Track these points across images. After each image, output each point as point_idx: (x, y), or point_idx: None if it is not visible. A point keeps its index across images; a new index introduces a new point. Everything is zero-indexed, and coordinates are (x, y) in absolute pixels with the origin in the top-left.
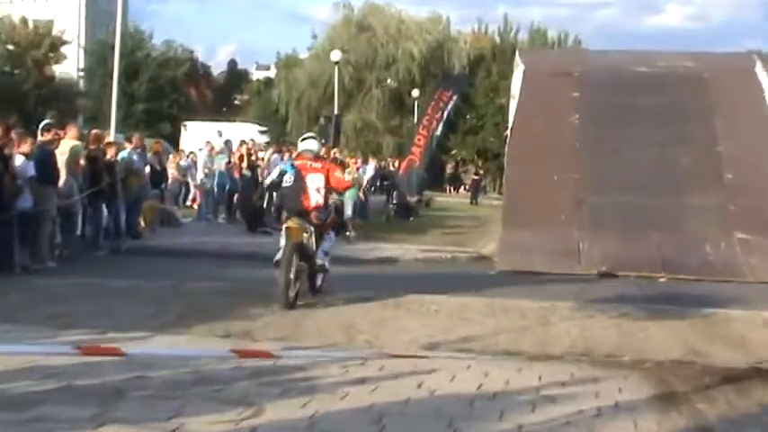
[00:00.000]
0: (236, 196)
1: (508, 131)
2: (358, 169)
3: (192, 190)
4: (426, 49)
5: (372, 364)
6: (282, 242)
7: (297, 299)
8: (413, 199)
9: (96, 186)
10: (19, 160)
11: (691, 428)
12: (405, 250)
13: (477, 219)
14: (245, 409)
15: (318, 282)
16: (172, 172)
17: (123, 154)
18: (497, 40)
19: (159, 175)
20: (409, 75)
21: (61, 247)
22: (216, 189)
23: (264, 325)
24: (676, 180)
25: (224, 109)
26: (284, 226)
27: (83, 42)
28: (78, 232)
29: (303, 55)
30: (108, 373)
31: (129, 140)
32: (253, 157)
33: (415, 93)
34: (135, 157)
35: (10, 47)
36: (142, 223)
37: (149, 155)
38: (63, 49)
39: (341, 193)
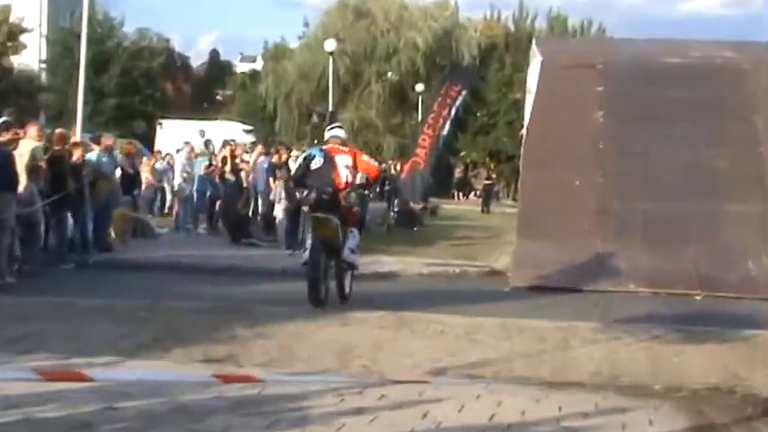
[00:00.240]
0: (218, 204)
1: (523, 131)
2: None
3: (169, 196)
4: (432, 38)
5: (371, 392)
6: (308, 241)
7: (327, 298)
8: (417, 206)
9: (61, 193)
10: None
11: None
12: (407, 264)
13: (488, 229)
14: None
15: (347, 286)
16: (146, 176)
17: (91, 156)
18: (512, 27)
19: (132, 180)
20: (413, 67)
21: (21, 261)
22: (195, 195)
23: (250, 348)
24: (713, 185)
25: (204, 105)
26: (312, 216)
27: (45, 31)
28: (41, 244)
29: (293, 45)
30: (74, 403)
31: (98, 141)
32: (237, 160)
33: (420, 87)
34: (104, 160)
35: None
36: (112, 234)
37: (120, 157)
38: (22, 38)
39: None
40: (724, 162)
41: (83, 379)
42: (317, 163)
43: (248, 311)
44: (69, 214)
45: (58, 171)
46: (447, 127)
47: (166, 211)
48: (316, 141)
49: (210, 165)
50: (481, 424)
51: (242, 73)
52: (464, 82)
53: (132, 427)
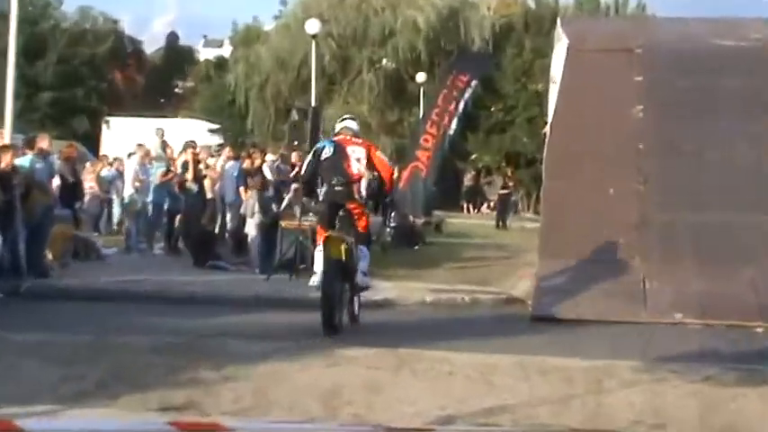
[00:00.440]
0: (177, 219)
1: (547, 128)
2: None
3: (118, 210)
4: (436, 17)
5: None
6: (319, 262)
7: (342, 326)
8: (418, 221)
9: None
10: None
11: None
12: (407, 290)
13: (505, 248)
14: None
15: (356, 308)
16: (90, 185)
17: (23, 162)
18: (532, 5)
19: (72, 191)
20: (412, 53)
21: None
22: (150, 209)
23: (217, 393)
24: None
25: (161, 99)
26: (323, 237)
27: None
28: None
29: (268, 26)
30: None
31: (31, 143)
32: (201, 166)
33: (421, 77)
34: (39, 166)
35: None
36: (50, 256)
37: (59, 163)
38: None
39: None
40: None
41: None
42: (326, 153)
43: (215, 349)
44: None
45: None
46: (454, 125)
47: (115, 227)
48: (296, 143)
49: (168, 171)
50: None
51: (206, 61)
52: (474, 70)
53: None
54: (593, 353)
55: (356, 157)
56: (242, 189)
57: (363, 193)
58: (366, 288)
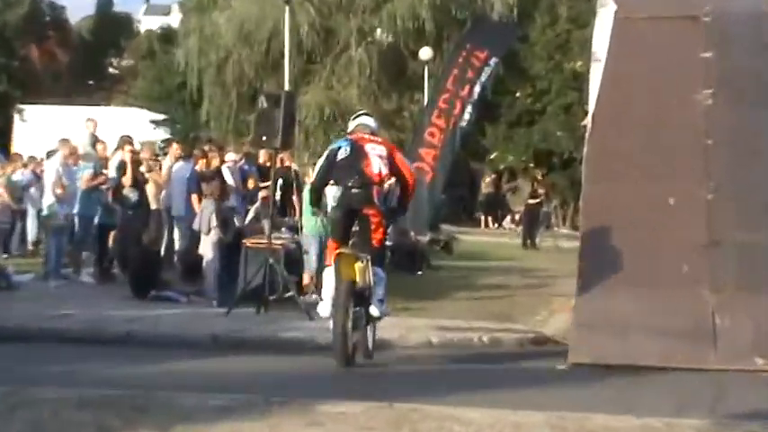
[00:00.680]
0: (111, 235)
1: (587, 120)
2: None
3: (34, 225)
4: None
5: None
6: (328, 284)
7: (355, 354)
8: (422, 238)
9: None
10: None
11: None
12: (408, 328)
13: (534, 273)
14: None
15: (370, 341)
16: None
17: None
18: None
19: None
20: (415, 22)
21: None
22: (77, 223)
23: None
24: None
25: (90, 82)
26: (334, 254)
27: None
28: None
29: None
30: None
31: None
32: (141, 168)
33: (425, 53)
34: None
35: None
36: None
37: None
38: None
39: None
40: None
41: None
42: (342, 154)
43: (159, 404)
44: None
45: None
46: (468, 115)
47: (30, 247)
48: (264, 138)
49: (99, 174)
50: None
51: (148, 32)
52: (494, 45)
53: None
54: (647, 408)
55: (377, 154)
56: (194, 198)
57: (391, 203)
58: (384, 315)
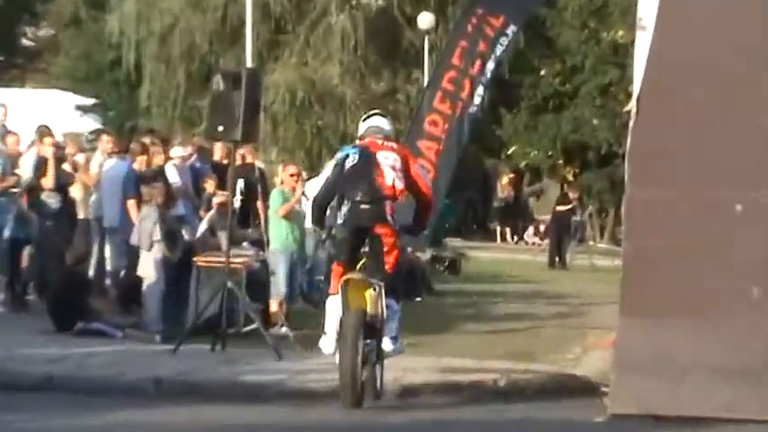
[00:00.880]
0: (26, 252)
1: (632, 104)
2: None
3: None
4: None
5: None
6: (332, 315)
7: (364, 393)
8: (422, 256)
9: None
10: None
11: None
12: (404, 369)
13: (562, 299)
14: None
15: (379, 380)
16: None
17: None
18: None
19: None
20: None
21: None
22: None
23: None
24: None
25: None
26: (341, 281)
27: None
28: None
29: None
30: None
31: None
32: (65, 165)
33: (425, 20)
34: None
35: None
36: None
37: None
38: None
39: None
40: None
41: None
42: (350, 163)
43: None
44: None
45: None
46: (479, 98)
47: None
48: (221, 128)
49: (10, 175)
50: None
51: None
52: (512, 9)
53: None
54: None
55: (390, 164)
56: (132, 204)
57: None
58: (398, 352)
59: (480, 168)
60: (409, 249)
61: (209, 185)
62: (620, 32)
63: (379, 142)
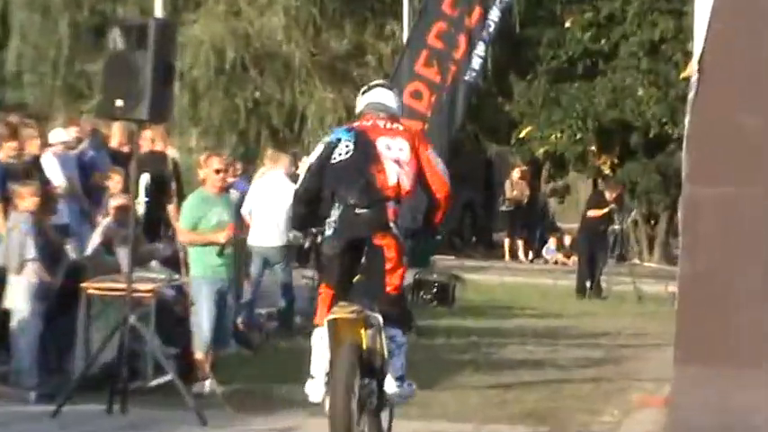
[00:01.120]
0: None
1: (692, 69)
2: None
3: None
4: None
5: None
6: (319, 352)
7: None
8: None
9: None
10: None
11: None
12: None
13: (595, 339)
14: None
15: (385, 425)
16: None
17: None
18: None
19: None
20: None
21: None
22: None
23: None
24: None
25: None
26: (326, 319)
27: None
28: None
29: None
30: None
31: None
32: None
33: None
34: None
35: None
36: None
37: None
38: None
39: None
40: None
41: None
42: (342, 152)
43: None
44: None
45: None
46: (479, 60)
47: None
48: (119, 103)
49: None
50: None
51: None
52: None
53: None
54: None
55: (393, 156)
56: None
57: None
58: (405, 396)
59: (482, 158)
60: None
61: (113, 182)
62: None
63: (382, 124)
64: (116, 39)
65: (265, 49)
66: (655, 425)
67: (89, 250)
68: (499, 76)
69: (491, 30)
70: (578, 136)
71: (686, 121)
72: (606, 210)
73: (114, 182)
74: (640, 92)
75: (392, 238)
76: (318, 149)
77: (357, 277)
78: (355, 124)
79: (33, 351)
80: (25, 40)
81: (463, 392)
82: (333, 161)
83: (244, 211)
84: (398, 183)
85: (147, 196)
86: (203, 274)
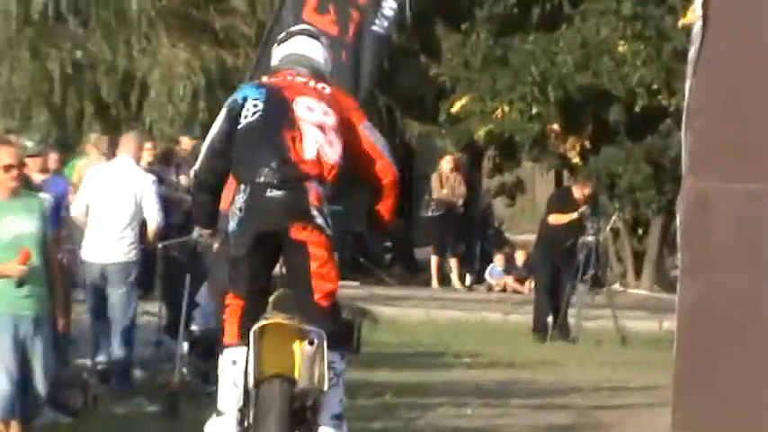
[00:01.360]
0: None
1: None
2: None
3: None
4: None
5: None
6: (228, 383)
7: None
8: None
9: None
10: None
11: None
12: None
13: (560, 400)
14: None
15: None
16: None
17: None
18: None
19: None
20: None
21: None
22: None
23: None
24: None
25: None
26: (253, 329)
27: None
28: None
29: None
30: None
31: None
32: None
33: None
34: None
35: None
36: None
37: None
38: None
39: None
40: None
41: None
42: (248, 113)
43: None
44: None
45: None
46: (389, 5)
47: None
48: None
49: None
50: None
51: None
52: None
53: None
54: None
55: (315, 121)
56: None
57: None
58: None
59: (397, 142)
60: None
61: None
62: None
63: (301, 81)
64: None
65: None
66: None
67: None
68: (422, 27)
69: None
70: (534, 110)
71: (686, 87)
72: (575, 214)
73: None
74: (621, 47)
75: (317, 229)
76: (221, 116)
77: (280, 291)
78: (266, 80)
79: None
80: None
81: None
82: (240, 128)
83: (76, 210)
84: (319, 155)
85: None
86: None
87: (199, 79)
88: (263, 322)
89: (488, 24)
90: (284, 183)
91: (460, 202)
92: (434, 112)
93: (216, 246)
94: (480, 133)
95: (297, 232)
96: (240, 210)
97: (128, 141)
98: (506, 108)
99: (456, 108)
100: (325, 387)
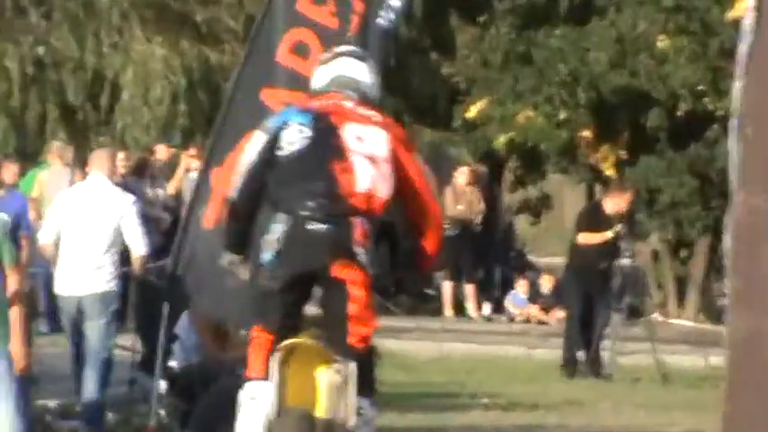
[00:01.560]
0: None
1: (744, 9)
2: None
3: None
4: None
5: None
6: (251, 411)
7: None
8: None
9: None
10: None
11: None
12: None
13: None
14: None
15: None
16: None
17: None
18: None
19: None
20: None
21: None
22: None
23: None
24: None
25: None
26: (279, 350)
27: None
28: None
29: None
30: None
31: None
32: None
33: None
34: None
35: None
36: None
37: None
38: None
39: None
40: None
41: None
42: (293, 140)
43: None
44: None
45: None
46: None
47: None
48: None
49: None
50: None
51: None
52: None
53: None
54: None
55: (366, 151)
56: None
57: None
58: None
59: None
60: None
61: None
62: None
63: (350, 106)
64: None
65: None
66: None
67: None
68: (433, 19)
69: None
70: (562, 115)
71: (736, 89)
72: (609, 234)
73: None
74: (661, 43)
75: (359, 269)
76: (258, 139)
77: (311, 332)
78: (313, 105)
79: None
80: None
81: None
82: (279, 153)
83: (44, 238)
84: (372, 189)
85: None
86: None
87: (178, 79)
88: (290, 343)
89: (509, 16)
90: (330, 217)
91: (478, 220)
92: (448, 117)
93: (244, 274)
94: (500, 141)
95: (338, 270)
96: (278, 241)
97: (100, 157)
98: (530, 113)
99: (472, 113)
100: (351, 424)
